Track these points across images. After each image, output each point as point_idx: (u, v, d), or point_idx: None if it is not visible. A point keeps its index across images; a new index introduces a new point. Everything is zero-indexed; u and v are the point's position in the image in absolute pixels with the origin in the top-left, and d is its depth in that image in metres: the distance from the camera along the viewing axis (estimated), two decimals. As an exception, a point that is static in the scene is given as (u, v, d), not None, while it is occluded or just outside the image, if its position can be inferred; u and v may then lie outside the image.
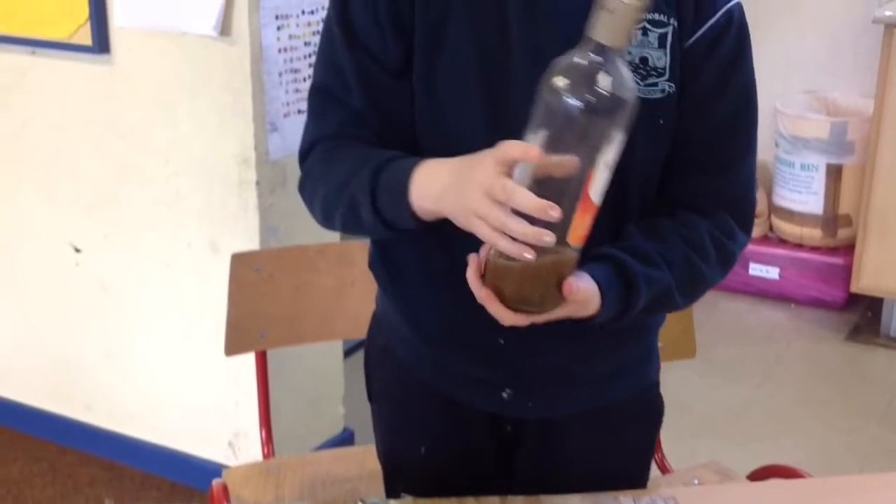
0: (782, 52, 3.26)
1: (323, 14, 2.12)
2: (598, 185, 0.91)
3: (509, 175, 0.89)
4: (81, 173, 2.27)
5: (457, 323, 1.11)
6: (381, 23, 1.05)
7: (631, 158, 1.03)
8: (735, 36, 1.07)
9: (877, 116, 2.91)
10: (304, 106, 2.12)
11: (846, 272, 3.17)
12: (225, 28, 1.98)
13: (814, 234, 3.28)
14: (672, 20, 1.04)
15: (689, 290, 1.08)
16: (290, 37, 2.06)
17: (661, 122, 1.06)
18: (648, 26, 1.04)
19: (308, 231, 2.18)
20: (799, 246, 3.31)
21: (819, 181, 3.18)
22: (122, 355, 2.37)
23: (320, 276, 1.75)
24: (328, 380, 2.40)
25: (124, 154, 2.19)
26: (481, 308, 0.96)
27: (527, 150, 0.89)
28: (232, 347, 1.69)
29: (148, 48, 2.09)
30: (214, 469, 1.94)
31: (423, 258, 1.12)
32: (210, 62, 2.03)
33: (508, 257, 0.91)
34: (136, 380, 2.37)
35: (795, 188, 3.26)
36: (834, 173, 3.17)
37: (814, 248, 3.30)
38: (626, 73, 0.91)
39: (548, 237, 0.88)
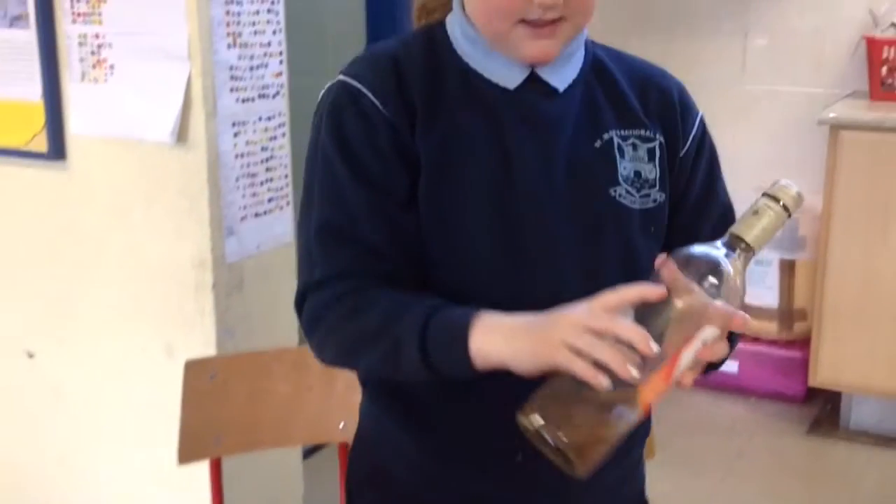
0: (733, 151, 3.34)
1: (280, 119, 2.17)
2: (687, 357, 0.92)
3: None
4: (36, 278, 2.25)
5: (473, 437, 1.09)
6: (384, 153, 1.04)
7: (628, 270, 1.06)
8: (709, 146, 1.18)
9: (826, 213, 2.98)
10: (260, 209, 2.17)
11: (804, 366, 3.20)
12: (182, 135, 2.01)
13: (770, 328, 3.32)
14: (658, 135, 1.12)
15: None
16: (247, 142, 2.09)
17: (653, 229, 1.11)
18: (637, 142, 1.10)
19: (264, 333, 2.19)
20: (756, 340, 3.35)
21: (773, 276, 3.24)
22: (76, 461, 2.32)
23: (276, 381, 1.74)
24: (287, 482, 2.36)
25: (80, 259, 2.19)
26: (501, 421, 0.95)
27: (641, 291, 0.92)
28: (185, 455, 1.66)
29: (104, 155, 2.10)
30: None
31: None
32: (167, 168, 2.05)
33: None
34: (90, 486, 2.32)
35: (751, 282, 3.31)
36: (787, 268, 3.22)
37: (771, 342, 3.33)
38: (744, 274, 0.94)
39: (635, 372, 0.88)
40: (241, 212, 2.10)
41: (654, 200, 1.10)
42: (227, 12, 1.99)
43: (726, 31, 3.50)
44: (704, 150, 1.16)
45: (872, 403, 3.13)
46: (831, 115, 2.96)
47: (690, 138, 1.14)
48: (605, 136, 1.09)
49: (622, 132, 1.10)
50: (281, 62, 2.14)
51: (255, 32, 2.06)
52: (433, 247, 1.06)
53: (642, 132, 1.11)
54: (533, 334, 0.93)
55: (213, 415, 1.68)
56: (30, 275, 2.26)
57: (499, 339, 0.95)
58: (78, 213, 2.16)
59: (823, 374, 3.09)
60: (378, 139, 1.04)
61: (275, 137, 2.15)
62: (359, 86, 1.06)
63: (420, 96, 1.05)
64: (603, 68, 1.14)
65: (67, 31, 2.06)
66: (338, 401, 1.73)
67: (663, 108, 1.13)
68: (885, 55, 3.06)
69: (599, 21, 3.74)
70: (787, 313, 3.28)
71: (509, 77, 1.08)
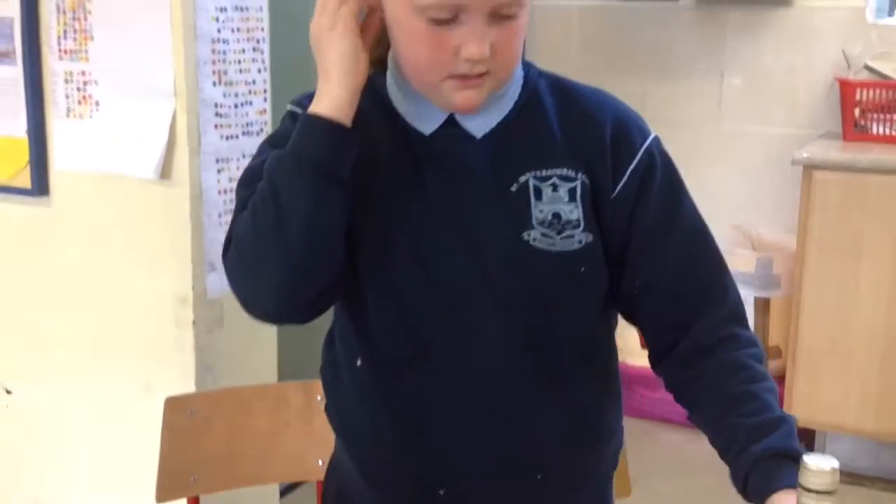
0: (708, 190, 3.39)
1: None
2: None
3: None
4: (16, 314, 2.25)
5: (400, 469, 1.13)
6: None
7: (557, 315, 1.09)
8: (662, 171, 1.13)
9: (800, 252, 3.02)
10: (243, 246, 2.18)
11: (779, 403, 3.22)
12: (165, 171, 2.02)
13: (746, 366, 3.34)
14: (580, 175, 1.10)
15: None
16: (230, 179, 2.10)
17: (582, 269, 1.10)
18: (557, 181, 1.10)
19: (245, 370, 2.19)
20: (732, 378, 3.37)
21: (748, 314, 3.26)
22: (54, 499, 2.31)
23: (255, 418, 1.74)
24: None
25: (60, 294, 2.19)
26: (424, 456, 1.01)
27: None
28: (163, 493, 1.66)
29: (87, 191, 2.11)
30: None
31: (368, 404, 1.15)
32: (149, 204, 2.06)
33: None
34: (65, 524, 2.31)
35: (727, 321, 3.34)
36: (762, 306, 3.25)
37: (747, 380, 3.36)
38: None
39: None
40: (222, 248, 2.10)
41: (579, 241, 1.09)
42: (213, 51, 2.01)
43: (702, 71, 3.56)
44: (653, 179, 1.12)
45: (846, 441, 3.16)
46: (805, 155, 3.01)
47: (628, 172, 1.11)
48: (522, 179, 1.10)
49: (541, 172, 1.10)
50: (265, 100, 2.16)
51: (241, 70, 2.09)
52: (361, 275, 1.11)
53: (563, 171, 1.10)
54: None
55: (192, 452, 1.68)
56: (8, 310, 2.26)
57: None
58: (59, 248, 2.17)
59: (798, 411, 3.11)
60: None
61: (257, 174, 2.17)
62: (297, 109, 1.13)
63: None
64: (536, 105, 1.14)
65: (54, 67, 2.08)
66: (316, 438, 1.74)
67: (590, 145, 1.11)
68: (857, 97, 3.12)
69: (579, 59, 3.82)
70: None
71: (428, 122, 1.11)
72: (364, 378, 1.14)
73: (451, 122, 1.10)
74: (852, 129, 3.15)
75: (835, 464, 0.85)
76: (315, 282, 1.06)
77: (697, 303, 1.12)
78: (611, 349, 1.20)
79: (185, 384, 2.09)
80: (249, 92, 2.12)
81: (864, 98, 3.11)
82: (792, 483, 0.92)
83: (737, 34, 3.51)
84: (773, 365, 3.32)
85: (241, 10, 2.07)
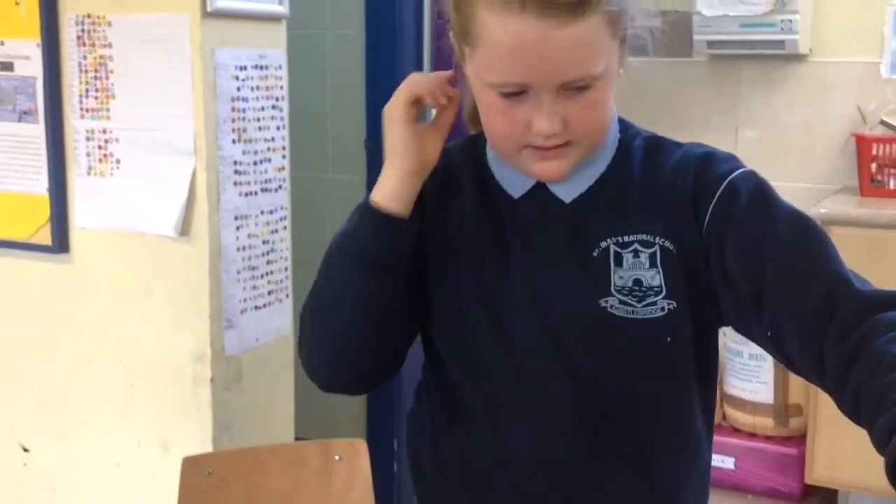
0: (726, 245, 3.39)
1: (282, 213, 2.19)
2: None
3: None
4: (33, 371, 2.24)
5: None
6: None
7: (636, 388, 1.07)
8: (749, 196, 1.05)
9: (820, 308, 3.00)
10: (260, 302, 2.18)
11: (800, 462, 3.18)
12: (184, 228, 2.02)
13: (766, 424, 3.30)
14: (659, 240, 1.06)
15: None
16: (249, 235, 2.10)
17: (669, 339, 1.07)
18: (639, 247, 1.07)
19: (262, 428, 2.17)
20: (752, 435, 3.33)
21: (768, 371, 3.23)
22: (66, 559, 2.28)
23: (273, 478, 1.73)
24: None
25: (78, 351, 2.18)
26: None
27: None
28: (179, 556, 1.64)
29: (107, 247, 2.12)
30: None
31: (441, 456, 1.17)
32: (168, 261, 2.06)
33: None
34: (79, 585, 2.28)
35: (745, 377, 3.31)
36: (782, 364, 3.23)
37: (767, 438, 3.32)
38: None
39: None
40: (241, 304, 2.10)
41: (662, 309, 1.05)
42: (233, 108, 2.03)
43: (717, 126, 3.57)
44: (737, 208, 1.04)
45: (869, 501, 3.10)
46: (823, 210, 3.00)
47: (709, 212, 1.05)
48: (603, 245, 1.08)
49: (622, 238, 1.07)
50: (284, 157, 2.17)
51: (260, 128, 2.10)
52: (440, 333, 1.14)
53: (642, 236, 1.07)
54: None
55: (210, 512, 1.66)
56: (26, 367, 2.25)
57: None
58: (78, 304, 2.17)
59: (820, 471, 3.07)
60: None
61: (276, 230, 2.17)
62: None
63: (432, 196, 1.13)
64: (624, 169, 1.11)
65: (75, 126, 2.09)
66: (335, 498, 1.72)
67: (671, 203, 1.07)
68: (874, 152, 3.12)
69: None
70: (782, 409, 3.27)
71: (518, 186, 1.11)
72: (439, 433, 1.15)
73: (541, 186, 1.10)
74: (869, 184, 3.14)
75: None
76: (366, 358, 1.11)
77: (826, 308, 0.98)
78: (703, 428, 1.14)
79: (201, 442, 2.07)
80: (268, 149, 2.13)
81: (881, 153, 3.11)
82: None
83: (751, 89, 3.53)
84: (793, 423, 3.28)
85: (261, 68, 2.09)
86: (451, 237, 1.11)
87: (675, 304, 1.06)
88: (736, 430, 3.37)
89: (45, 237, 2.14)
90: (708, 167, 1.08)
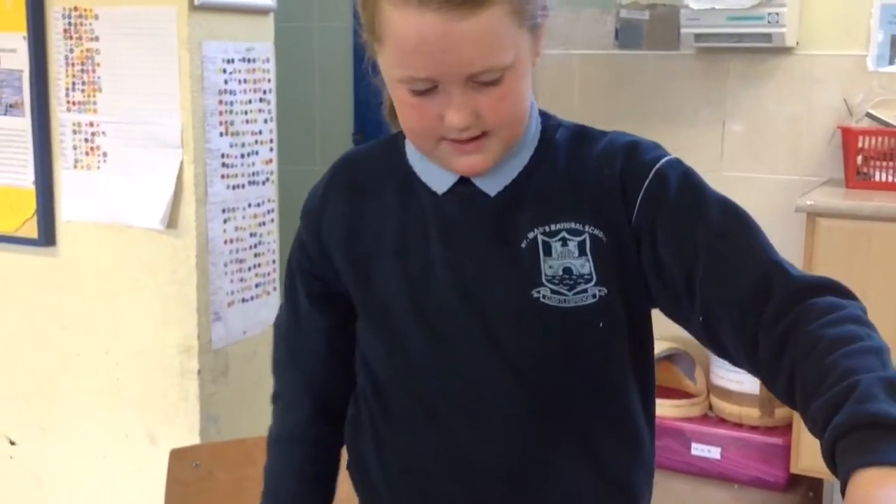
0: (713, 237, 3.40)
1: (269, 206, 2.20)
2: None
3: None
4: (20, 364, 2.24)
5: None
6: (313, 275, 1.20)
7: (575, 376, 1.07)
8: (678, 182, 1.05)
9: (805, 300, 3.01)
10: (248, 295, 2.18)
11: (786, 452, 3.19)
12: (171, 221, 2.02)
13: (752, 414, 3.32)
14: (588, 227, 1.05)
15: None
16: (236, 228, 2.11)
17: (601, 325, 1.06)
18: (567, 236, 1.06)
19: (249, 420, 2.18)
20: (738, 425, 3.35)
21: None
22: (53, 551, 2.29)
23: (260, 469, 1.72)
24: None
25: (65, 345, 2.18)
26: None
27: None
28: (168, 548, 1.64)
29: (94, 240, 2.12)
30: None
31: (384, 463, 1.16)
32: (155, 254, 2.06)
33: None
34: (67, 577, 2.28)
35: (731, 368, 3.32)
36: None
37: (753, 428, 3.33)
38: None
39: None
40: (228, 297, 2.11)
41: (594, 295, 1.05)
42: (221, 101, 2.03)
43: (704, 118, 3.58)
44: (668, 196, 1.04)
45: (855, 490, 3.13)
46: (809, 202, 3.01)
47: (639, 199, 1.05)
48: (530, 236, 1.06)
49: (549, 227, 1.06)
50: (271, 149, 2.17)
51: (247, 121, 2.10)
52: (368, 337, 1.15)
53: (570, 225, 1.06)
54: None
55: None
56: (13, 360, 2.25)
57: None
58: (65, 298, 2.17)
59: (805, 460, 3.08)
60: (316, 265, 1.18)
61: (263, 223, 2.18)
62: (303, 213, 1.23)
63: (344, 206, 1.15)
64: (548, 160, 1.10)
65: (62, 119, 2.09)
66: (323, 490, 1.73)
67: (598, 190, 1.06)
68: (860, 144, 3.13)
69: (580, 109, 3.84)
70: (768, 399, 3.29)
71: (441, 181, 1.09)
72: (381, 437, 1.13)
73: (464, 181, 1.08)
74: (855, 176, 3.16)
75: None
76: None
77: (760, 292, 0.96)
78: (642, 412, 1.13)
79: (189, 435, 2.08)
80: (256, 142, 2.13)
81: (867, 145, 3.12)
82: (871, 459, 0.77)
83: (738, 82, 3.54)
84: (779, 413, 3.30)
85: (248, 61, 2.09)
86: (372, 240, 1.10)
87: (605, 290, 1.05)
88: (722, 421, 3.39)
89: (32, 230, 2.14)
90: (635, 155, 1.08)
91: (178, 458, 1.67)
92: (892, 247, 2.88)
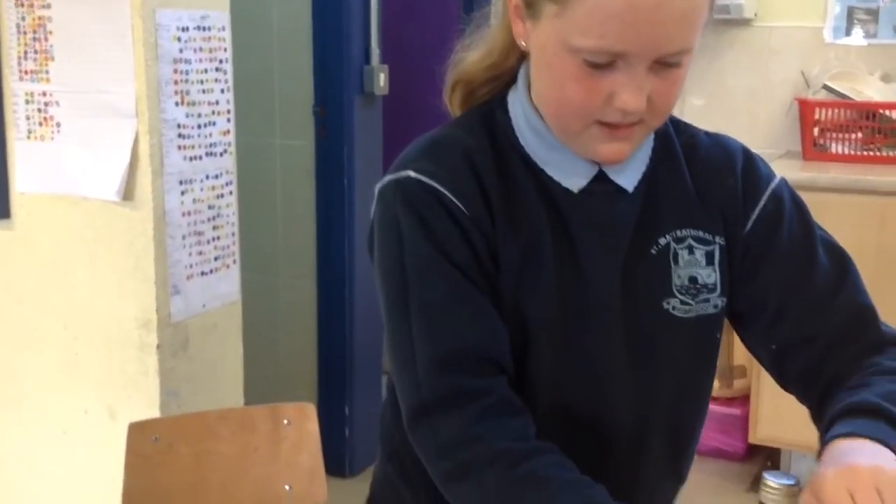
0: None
1: (227, 178, 2.17)
2: None
3: None
4: (-25, 339, 2.21)
5: None
6: (479, 258, 0.99)
7: (688, 379, 1.08)
8: (791, 210, 1.07)
9: (764, 270, 3.04)
10: (207, 268, 2.16)
11: (744, 422, 3.24)
12: (127, 193, 1.99)
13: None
14: (717, 238, 1.04)
15: None
16: (194, 200, 2.08)
17: (718, 335, 1.07)
18: (694, 244, 1.03)
19: (210, 395, 2.16)
20: (698, 396, 3.38)
21: (713, 332, 3.28)
22: (12, 528, 2.26)
23: (222, 443, 1.72)
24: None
25: (21, 319, 2.15)
26: None
27: None
28: (128, 521, 1.63)
29: (49, 213, 2.08)
30: None
31: None
32: (112, 226, 2.03)
33: None
34: (26, 554, 2.26)
35: (692, 339, 3.35)
36: (726, 325, 3.27)
37: (712, 399, 3.37)
38: None
39: None
40: (186, 270, 2.08)
41: (715, 306, 1.04)
42: (175, 70, 1.99)
43: (665, 92, 3.60)
44: (783, 232, 1.05)
45: (810, 460, 3.17)
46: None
47: (755, 214, 1.05)
48: (662, 242, 1.03)
49: (678, 233, 1.03)
50: (229, 120, 2.14)
51: (204, 91, 2.07)
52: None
53: (700, 233, 1.04)
54: None
55: (157, 478, 1.65)
56: (-33, 334, 2.22)
57: None
58: (20, 271, 2.13)
59: (763, 430, 3.12)
60: (472, 244, 0.98)
61: (222, 195, 2.15)
62: (437, 186, 0.98)
63: (497, 198, 0.99)
64: (671, 153, 1.07)
65: (14, 88, 2.05)
66: (285, 463, 1.72)
67: (725, 199, 1.05)
68: (816, 116, 3.16)
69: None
70: (727, 370, 3.33)
71: (575, 178, 1.02)
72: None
73: (600, 176, 1.02)
74: (812, 148, 3.19)
75: (793, 481, 0.86)
76: None
77: (848, 334, 1.04)
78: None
79: (149, 409, 2.06)
80: (213, 112, 2.10)
81: (823, 117, 3.15)
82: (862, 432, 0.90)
83: (697, 55, 3.55)
84: (738, 384, 3.33)
85: (204, 29, 2.06)
86: (525, 246, 1.00)
87: (725, 300, 1.05)
88: None
89: (-15, 202, 2.10)
90: (751, 166, 1.07)
91: (138, 431, 1.65)
92: (849, 218, 2.91)
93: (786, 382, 1.08)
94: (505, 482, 0.93)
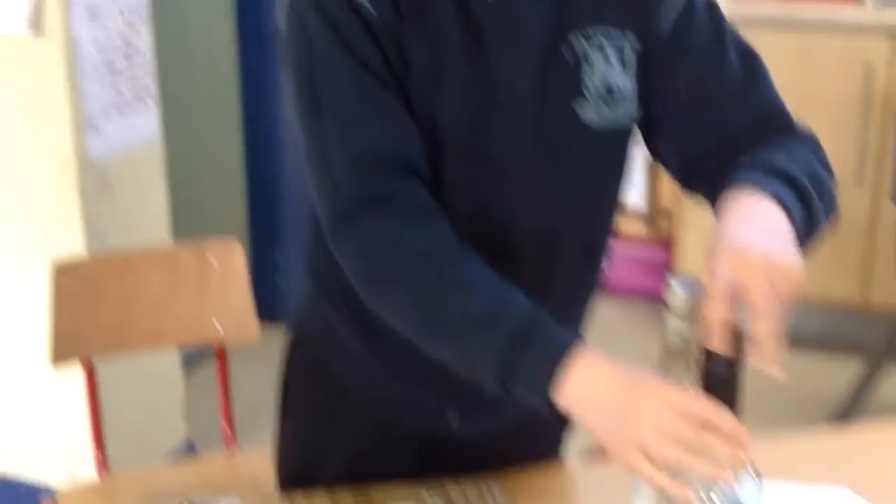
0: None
1: (141, 10, 2.06)
2: None
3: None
4: None
5: (429, 364, 1.00)
6: (387, 56, 0.97)
7: (600, 188, 1.08)
8: (702, 10, 1.05)
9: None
10: (123, 106, 2.07)
11: (669, 264, 3.31)
12: (36, 25, 1.89)
13: (638, 228, 3.41)
14: (628, 34, 1.02)
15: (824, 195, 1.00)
16: (106, 31, 1.98)
17: (630, 148, 1.07)
18: (605, 42, 1.01)
19: (135, 236, 2.11)
20: (624, 240, 3.43)
21: (639, 176, 3.31)
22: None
23: (148, 282, 1.69)
24: (167, 394, 2.33)
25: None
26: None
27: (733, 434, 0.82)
28: (57, 356, 1.60)
29: (-47, 48, 1.97)
30: (48, 493, 1.85)
31: None
32: (22, 61, 1.93)
33: None
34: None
35: (619, 184, 3.38)
36: (653, 169, 3.30)
37: (638, 242, 3.43)
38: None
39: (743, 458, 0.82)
40: (103, 107, 2.00)
41: (630, 116, 1.04)
42: None
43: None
44: (692, 25, 1.04)
45: (732, 298, 3.28)
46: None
47: (665, 16, 1.03)
48: (574, 43, 1.01)
49: (589, 30, 1.01)
50: (141, -51, 2.03)
51: (114, -85, 1.95)
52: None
53: (609, 29, 1.01)
54: (618, 419, 0.86)
55: (84, 317, 1.63)
56: None
57: (580, 411, 0.89)
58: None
59: (686, 270, 3.20)
60: (382, 47, 0.96)
61: (136, 28, 2.05)
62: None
63: (407, 2, 0.97)
64: None
65: None
66: (213, 301, 1.70)
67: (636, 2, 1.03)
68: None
69: None
70: (653, 213, 3.38)
71: None
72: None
73: None
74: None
75: (698, 289, 0.86)
76: None
77: (754, 133, 1.04)
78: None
79: (73, 251, 2.01)
80: (124, -60, 1.99)
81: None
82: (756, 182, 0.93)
83: None
84: (663, 226, 3.39)
85: None
86: (435, 49, 0.98)
87: (640, 111, 1.05)
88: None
89: None
90: None
91: (62, 271, 1.61)
92: (772, 54, 2.91)
93: (693, 186, 1.08)
94: (428, 285, 0.95)
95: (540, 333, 0.90)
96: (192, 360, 2.54)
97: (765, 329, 0.84)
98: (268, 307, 2.36)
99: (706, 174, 1.04)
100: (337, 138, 0.97)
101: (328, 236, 0.99)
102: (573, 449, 1.28)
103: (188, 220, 2.52)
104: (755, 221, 0.89)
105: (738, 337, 0.85)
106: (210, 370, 1.78)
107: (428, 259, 0.95)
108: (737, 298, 0.85)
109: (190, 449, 2.37)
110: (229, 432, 1.74)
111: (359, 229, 0.96)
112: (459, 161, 1.01)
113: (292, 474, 1.22)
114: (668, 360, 0.88)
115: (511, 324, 0.91)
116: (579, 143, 1.04)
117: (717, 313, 0.85)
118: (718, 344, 0.85)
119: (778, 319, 0.84)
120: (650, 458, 0.83)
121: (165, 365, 2.30)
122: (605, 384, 0.87)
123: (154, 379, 2.26)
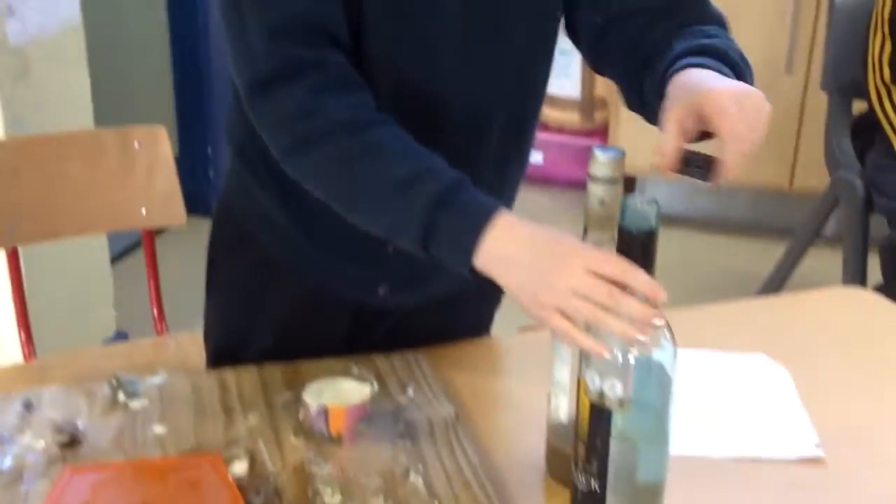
0: None
1: None
2: None
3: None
4: None
5: (353, 233, 1.00)
6: None
7: (526, 62, 1.07)
8: None
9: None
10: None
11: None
12: None
13: (573, 119, 3.41)
14: None
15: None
16: None
17: (557, 24, 1.08)
18: None
19: (57, 122, 2.06)
20: (559, 130, 3.44)
21: (575, 66, 3.30)
22: None
23: (72, 166, 1.65)
24: (96, 282, 2.31)
25: None
26: None
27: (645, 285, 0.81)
28: (-23, 242, 1.58)
29: None
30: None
31: None
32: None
33: None
34: None
35: (553, 73, 3.36)
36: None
37: (574, 132, 3.44)
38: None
39: (658, 321, 0.81)
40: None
41: None
42: None
43: None
44: None
45: (663, 187, 3.31)
46: None
47: None
48: None
49: None
50: None
51: None
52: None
53: None
54: (537, 278, 0.85)
55: (6, 203, 1.59)
56: None
57: (499, 272, 0.88)
58: None
59: (622, 160, 3.22)
60: None
61: None
62: None
63: None
64: None
65: None
66: (139, 187, 1.68)
67: None
68: None
69: None
70: (588, 103, 3.38)
71: None
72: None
73: None
74: None
75: (619, 154, 0.88)
76: None
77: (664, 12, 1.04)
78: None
79: (-9, 139, 1.96)
80: None
81: None
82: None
83: None
84: (598, 116, 3.40)
85: None
86: None
87: None
88: (545, 127, 3.47)
89: None
90: None
91: (-21, 155, 1.57)
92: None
93: (605, 60, 1.09)
94: (345, 152, 0.93)
95: (462, 196, 0.90)
96: (122, 251, 2.52)
97: (735, 156, 0.86)
98: (199, 201, 2.33)
99: (619, 47, 1.04)
100: (254, 2, 0.93)
101: (246, 105, 0.97)
102: (511, 327, 1.30)
103: (113, 109, 2.45)
104: (717, 78, 0.91)
105: (687, 162, 0.89)
106: (140, 261, 1.76)
107: (347, 126, 0.93)
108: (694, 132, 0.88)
109: (121, 338, 2.36)
110: (158, 318, 1.73)
111: (276, 98, 0.94)
112: (383, 30, 0.99)
113: (221, 350, 1.22)
114: (590, 225, 0.89)
115: (433, 187, 0.90)
116: (504, 15, 1.02)
117: (670, 144, 0.88)
118: (669, 171, 0.89)
119: (749, 147, 0.86)
120: (568, 317, 0.84)
121: (94, 255, 2.27)
122: (524, 244, 0.87)
123: (83, 269, 2.24)
